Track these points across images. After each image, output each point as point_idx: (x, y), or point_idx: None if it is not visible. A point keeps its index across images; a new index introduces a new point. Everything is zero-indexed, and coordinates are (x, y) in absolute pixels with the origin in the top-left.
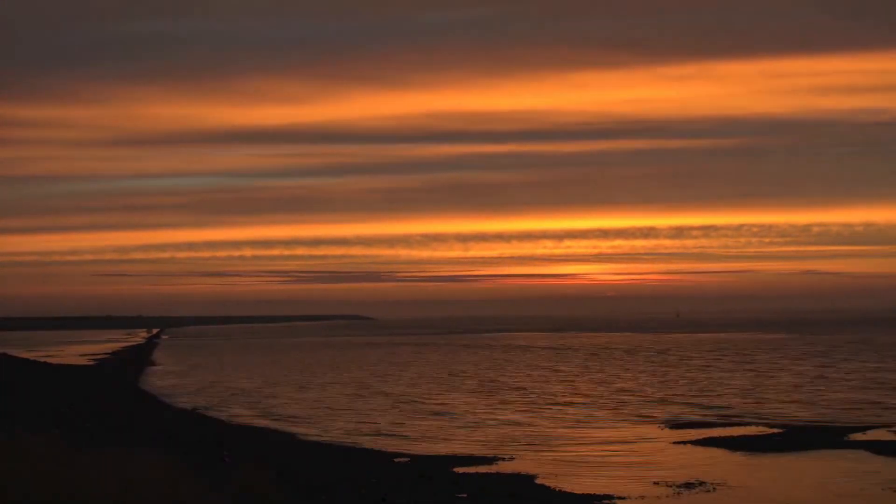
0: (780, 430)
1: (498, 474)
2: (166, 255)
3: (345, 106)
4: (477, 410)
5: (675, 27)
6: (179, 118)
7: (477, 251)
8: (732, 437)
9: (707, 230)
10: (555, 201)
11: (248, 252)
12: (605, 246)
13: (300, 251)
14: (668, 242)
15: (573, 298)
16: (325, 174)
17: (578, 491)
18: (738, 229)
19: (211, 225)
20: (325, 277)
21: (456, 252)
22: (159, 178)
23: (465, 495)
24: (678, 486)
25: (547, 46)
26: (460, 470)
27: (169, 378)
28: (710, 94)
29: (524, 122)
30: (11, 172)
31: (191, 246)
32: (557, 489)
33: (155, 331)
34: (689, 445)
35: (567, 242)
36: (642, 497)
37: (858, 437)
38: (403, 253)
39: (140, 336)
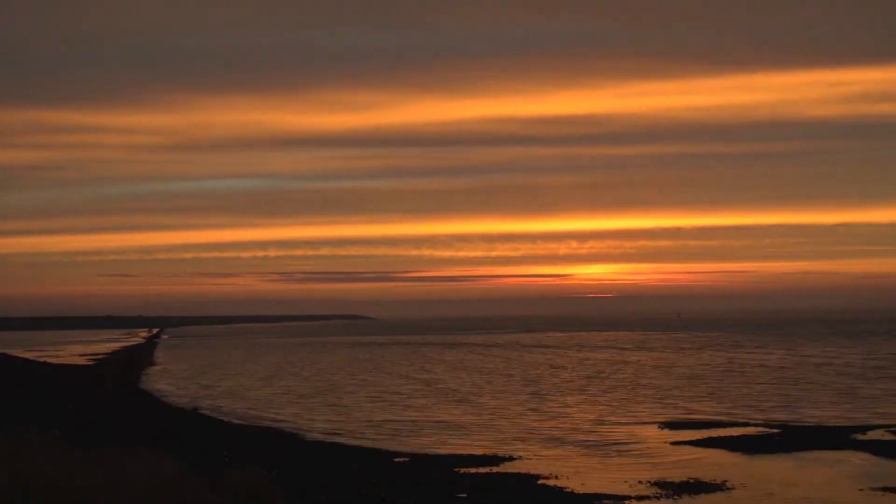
0: (780, 431)
1: (498, 474)
2: (189, 255)
3: (408, 112)
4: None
5: (733, 39)
6: (246, 125)
7: (501, 251)
8: (732, 437)
9: (732, 230)
10: (589, 203)
11: (272, 252)
12: (628, 246)
13: (324, 251)
14: (693, 243)
15: (591, 298)
16: (371, 177)
17: (579, 491)
18: (766, 229)
19: (241, 226)
20: (330, 277)
21: (479, 252)
22: (205, 180)
23: (464, 495)
24: (678, 486)
25: (609, 57)
26: (461, 470)
27: (169, 378)
28: (760, 101)
29: (579, 127)
30: (64, 175)
31: (216, 246)
32: (557, 489)
33: (155, 331)
34: (688, 445)
35: (591, 243)
36: (642, 497)
37: (858, 437)
38: (426, 253)
39: (140, 336)
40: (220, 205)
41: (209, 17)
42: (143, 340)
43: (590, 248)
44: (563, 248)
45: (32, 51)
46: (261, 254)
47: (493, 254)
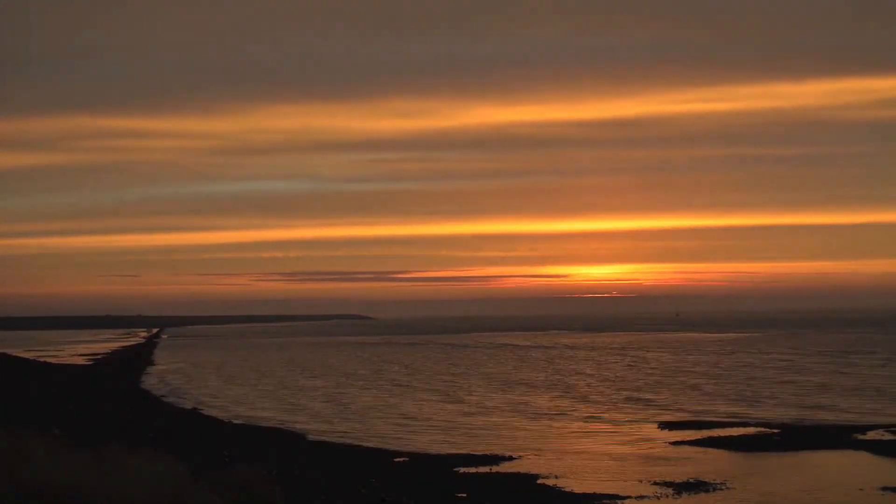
0: (780, 430)
1: (498, 474)
2: (206, 256)
3: (450, 118)
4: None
5: (770, 49)
6: (293, 130)
7: (519, 252)
8: (732, 437)
9: (759, 231)
10: (619, 203)
11: (292, 253)
12: (644, 247)
13: (341, 252)
14: (716, 243)
15: (604, 299)
16: (408, 180)
17: (578, 491)
18: (793, 230)
19: (264, 227)
20: (331, 277)
21: (498, 252)
22: (236, 183)
23: (464, 495)
24: (678, 486)
25: (655, 64)
26: (461, 470)
27: (169, 378)
28: (791, 106)
29: (625, 130)
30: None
31: (236, 247)
32: (557, 489)
33: (155, 331)
34: (688, 446)
35: (611, 244)
36: (642, 497)
37: (858, 437)
38: (443, 253)
39: (140, 336)
40: (247, 206)
41: (260, 26)
42: (143, 340)
43: (610, 248)
44: (582, 249)
45: (81, 58)
46: (280, 254)
47: (512, 254)
